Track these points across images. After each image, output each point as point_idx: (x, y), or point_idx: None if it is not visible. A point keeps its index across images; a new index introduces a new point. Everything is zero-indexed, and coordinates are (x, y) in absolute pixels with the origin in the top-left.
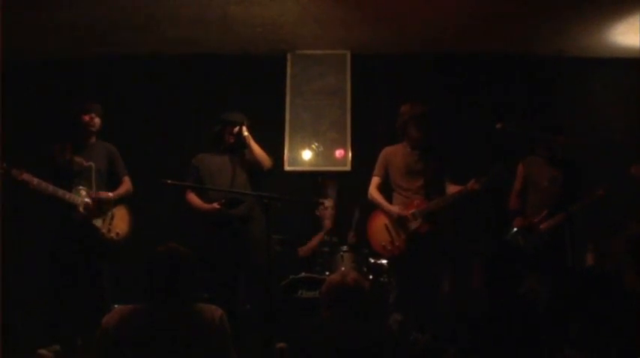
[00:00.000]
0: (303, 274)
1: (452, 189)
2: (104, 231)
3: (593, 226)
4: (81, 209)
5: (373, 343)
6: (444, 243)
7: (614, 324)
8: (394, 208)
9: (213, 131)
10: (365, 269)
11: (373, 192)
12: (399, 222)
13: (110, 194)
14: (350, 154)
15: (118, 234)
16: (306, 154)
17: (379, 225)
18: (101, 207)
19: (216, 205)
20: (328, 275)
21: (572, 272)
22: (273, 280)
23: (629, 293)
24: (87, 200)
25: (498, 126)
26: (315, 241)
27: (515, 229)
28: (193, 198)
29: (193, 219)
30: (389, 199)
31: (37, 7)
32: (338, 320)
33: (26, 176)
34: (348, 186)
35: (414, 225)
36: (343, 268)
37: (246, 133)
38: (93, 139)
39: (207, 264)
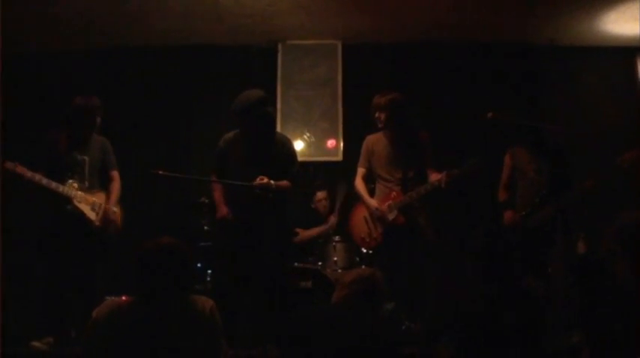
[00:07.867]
0: (296, 264)
1: (434, 178)
2: (97, 223)
3: (584, 214)
4: (75, 202)
5: (370, 332)
6: (421, 235)
7: (609, 314)
8: (372, 201)
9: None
10: (357, 259)
11: (358, 183)
12: (377, 214)
13: (115, 210)
14: (342, 144)
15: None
16: (298, 144)
17: (359, 218)
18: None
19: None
20: (321, 265)
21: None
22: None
23: (620, 283)
24: (80, 193)
25: (489, 115)
26: (314, 231)
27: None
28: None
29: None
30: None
31: None
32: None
33: (19, 169)
34: (339, 176)
35: (390, 218)
36: (336, 258)
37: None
38: (90, 134)
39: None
